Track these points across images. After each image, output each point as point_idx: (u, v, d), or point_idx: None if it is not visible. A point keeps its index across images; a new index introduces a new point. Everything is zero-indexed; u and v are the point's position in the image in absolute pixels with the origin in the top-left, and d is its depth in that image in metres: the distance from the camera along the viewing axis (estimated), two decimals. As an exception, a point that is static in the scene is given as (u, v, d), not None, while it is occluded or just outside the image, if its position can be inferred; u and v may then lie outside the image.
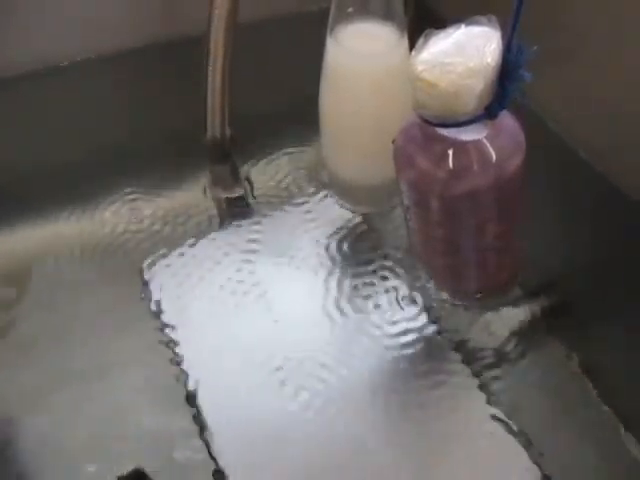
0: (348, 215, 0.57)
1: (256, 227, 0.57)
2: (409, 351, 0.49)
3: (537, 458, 0.43)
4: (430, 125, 0.41)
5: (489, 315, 0.50)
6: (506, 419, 0.45)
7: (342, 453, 0.45)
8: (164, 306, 0.52)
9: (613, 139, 0.52)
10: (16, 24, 0.61)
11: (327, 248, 0.55)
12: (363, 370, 0.48)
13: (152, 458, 0.44)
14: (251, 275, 0.54)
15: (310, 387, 0.47)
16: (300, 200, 0.58)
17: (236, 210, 0.58)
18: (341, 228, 0.56)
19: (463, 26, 0.40)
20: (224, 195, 0.59)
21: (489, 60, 0.38)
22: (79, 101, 0.63)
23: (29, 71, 0.62)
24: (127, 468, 0.43)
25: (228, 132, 0.56)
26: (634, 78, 0.49)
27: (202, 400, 0.47)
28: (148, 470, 0.43)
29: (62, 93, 0.63)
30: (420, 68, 0.39)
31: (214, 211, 0.58)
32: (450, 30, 0.40)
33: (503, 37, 0.39)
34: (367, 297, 0.52)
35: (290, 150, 0.62)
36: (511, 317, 0.50)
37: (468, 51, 0.39)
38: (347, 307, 0.51)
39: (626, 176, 0.51)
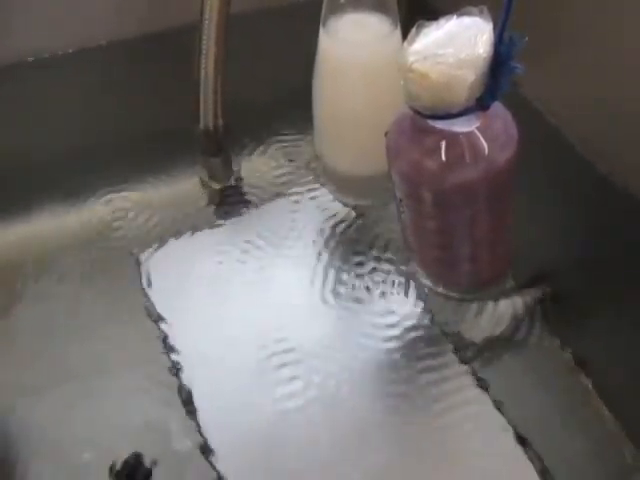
0: (342, 207, 0.57)
1: (249, 219, 0.57)
2: (401, 343, 0.49)
3: (531, 451, 0.43)
4: (422, 117, 0.41)
5: (482, 307, 0.50)
6: (499, 411, 0.45)
7: (333, 439, 0.45)
8: (159, 297, 0.52)
9: (612, 134, 0.51)
10: (5, 15, 0.61)
11: (321, 240, 0.55)
12: (355, 362, 0.48)
13: (148, 448, 0.44)
14: (245, 266, 0.53)
15: (303, 377, 0.47)
16: (294, 192, 0.58)
17: (229, 202, 0.58)
18: (335, 220, 0.56)
19: (455, 17, 0.40)
20: (217, 186, 0.59)
21: (480, 51, 0.38)
22: (72, 93, 0.63)
23: (21, 63, 0.62)
24: (123, 457, 0.44)
25: (221, 123, 0.56)
26: (634, 72, 0.49)
27: (197, 391, 0.47)
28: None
29: (52, 85, 0.62)
30: (411, 59, 0.39)
31: (208, 203, 0.58)
32: (442, 21, 0.40)
33: (495, 28, 0.39)
34: (360, 289, 0.52)
35: (284, 141, 0.62)
36: (504, 309, 0.50)
37: (459, 42, 0.38)
38: (341, 299, 0.51)
39: (621, 170, 0.51)
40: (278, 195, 0.58)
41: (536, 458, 0.43)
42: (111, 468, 0.43)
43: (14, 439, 0.45)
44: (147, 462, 0.44)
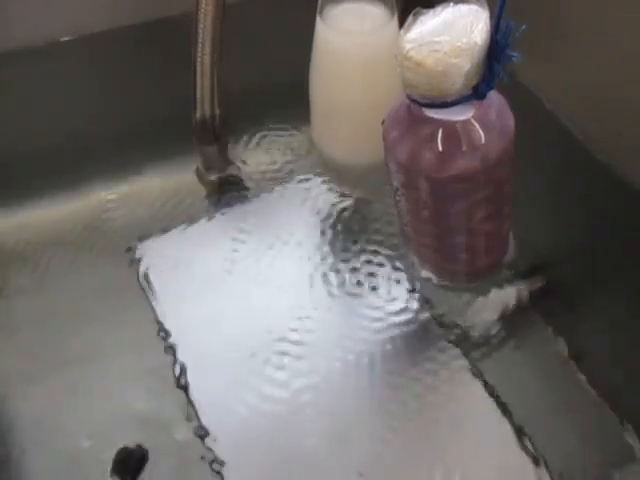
0: (339, 196, 0.57)
1: (246, 209, 0.57)
2: (398, 332, 0.49)
3: (524, 439, 0.44)
4: (418, 105, 0.41)
5: (478, 297, 0.50)
6: (494, 400, 0.45)
7: (330, 429, 0.45)
8: (155, 288, 0.52)
9: (610, 122, 0.52)
10: (1, 2, 0.60)
11: (318, 230, 0.55)
12: (352, 351, 0.48)
13: (146, 435, 0.44)
14: (241, 256, 0.54)
15: (299, 367, 0.47)
16: (291, 181, 0.58)
17: (226, 191, 0.58)
18: (332, 210, 0.56)
19: (451, 5, 0.40)
20: (214, 176, 0.59)
21: (477, 39, 0.38)
22: (67, 82, 0.62)
23: (13, 51, 0.62)
24: (120, 444, 0.44)
25: (217, 112, 0.56)
26: (633, 61, 0.49)
27: (193, 379, 0.47)
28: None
29: (48, 73, 0.62)
30: (408, 47, 0.39)
31: (204, 193, 0.58)
32: (438, 9, 0.40)
33: (492, 16, 0.39)
34: (357, 279, 0.52)
35: (281, 131, 0.62)
36: (500, 299, 0.50)
37: (456, 30, 0.38)
38: (338, 289, 0.51)
39: (620, 158, 0.51)
40: (275, 185, 0.58)
41: (531, 447, 0.43)
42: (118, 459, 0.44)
43: (10, 426, 0.45)
44: (143, 452, 0.44)
